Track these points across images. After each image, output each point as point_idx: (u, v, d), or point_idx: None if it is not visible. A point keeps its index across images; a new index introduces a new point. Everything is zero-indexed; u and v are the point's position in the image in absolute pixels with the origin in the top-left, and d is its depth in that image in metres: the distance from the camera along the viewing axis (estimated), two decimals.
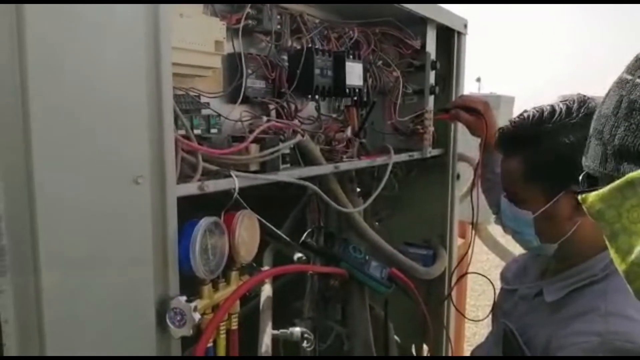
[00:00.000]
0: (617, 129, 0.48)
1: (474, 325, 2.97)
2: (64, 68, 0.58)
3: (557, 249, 1.04)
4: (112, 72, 0.62)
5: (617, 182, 0.46)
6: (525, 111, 1.00)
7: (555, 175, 0.95)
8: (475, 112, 1.35)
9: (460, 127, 1.48)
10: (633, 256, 0.44)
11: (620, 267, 0.47)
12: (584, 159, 0.54)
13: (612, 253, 0.48)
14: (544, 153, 0.96)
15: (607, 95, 0.51)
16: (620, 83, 0.50)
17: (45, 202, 0.56)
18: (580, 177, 0.54)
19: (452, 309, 1.61)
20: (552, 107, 0.97)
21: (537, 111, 0.98)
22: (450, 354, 1.65)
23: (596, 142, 0.51)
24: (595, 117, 0.53)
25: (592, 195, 0.48)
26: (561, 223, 0.98)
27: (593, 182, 0.52)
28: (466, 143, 1.51)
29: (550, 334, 0.95)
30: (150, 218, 0.68)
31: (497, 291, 1.23)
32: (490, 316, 1.25)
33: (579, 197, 0.51)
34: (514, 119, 1.02)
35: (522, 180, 1.00)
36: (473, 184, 1.40)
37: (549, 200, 0.97)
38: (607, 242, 0.49)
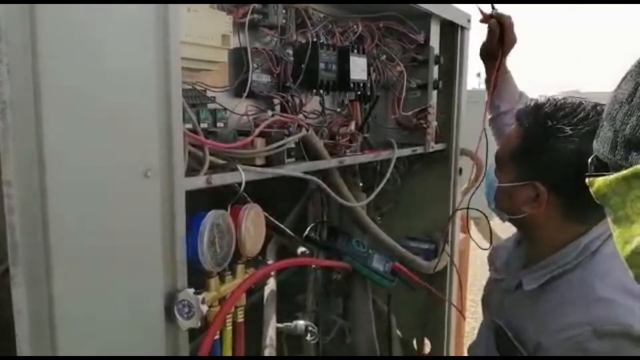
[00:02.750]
0: (629, 117, 0.47)
1: (473, 320, 2.99)
2: (75, 64, 0.58)
3: (530, 241, 1.09)
4: (122, 66, 0.63)
5: (625, 171, 0.46)
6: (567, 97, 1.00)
7: (533, 166, 0.99)
8: (502, 43, 1.32)
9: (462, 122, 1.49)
10: (633, 246, 0.46)
11: (622, 252, 0.48)
12: (594, 141, 0.53)
13: (614, 236, 0.49)
14: (538, 142, 0.98)
15: (624, 78, 0.50)
16: (638, 68, 0.48)
17: (57, 196, 0.56)
18: (590, 159, 0.54)
19: (453, 302, 1.63)
20: (580, 105, 0.96)
21: (568, 104, 0.97)
22: (451, 350, 1.66)
23: (608, 126, 0.50)
24: (610, 99, 0.51)
25: (599, 181, 0.49)
26: (514, 205, 1.04)
27: (601, 165, 0.51)
28: (469, 138, 1.51)
29: (537, 328, 0.97)
30: (159, 211, 0.69)
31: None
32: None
33: (587, 180, 0.51)
34: (545, 97, 1.02)
35: (508, 153, 1.04)
36: (476, 178, 1.41)
37: (515, 181, 1.02)
38: (610, 225, 0.50)
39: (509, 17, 1.33)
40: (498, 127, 1.38)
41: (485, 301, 1.24)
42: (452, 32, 1.45)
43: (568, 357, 0.89)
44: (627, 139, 0.47)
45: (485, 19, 1.34)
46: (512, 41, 1.33)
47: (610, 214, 0.49)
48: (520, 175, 1.01)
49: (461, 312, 1.89)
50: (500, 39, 1.32)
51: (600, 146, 0.51)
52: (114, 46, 0.62)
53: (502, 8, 1.33)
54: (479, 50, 1.38)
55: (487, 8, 1.34)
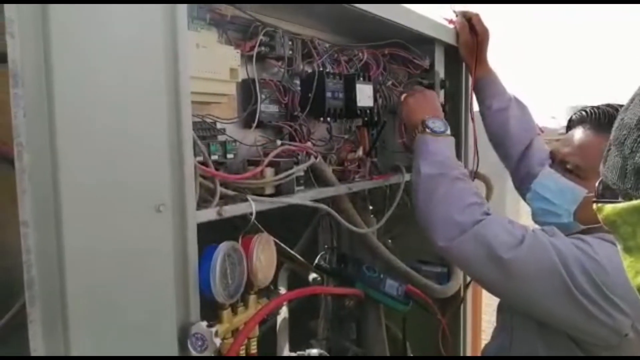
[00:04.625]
0: (639, 145, 0.45)
1: None
2: (88, 104, 0.60)
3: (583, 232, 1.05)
4: (133, 104, 0.64)
5: (636, 201, 0.44)
6: None
7: None
8: (476, 35, 1.37)
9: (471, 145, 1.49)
10: None
11: (632, 281, 0.46)
12: (601, 166, 0.52)
13: (625, 265, 0.47)
14: None
15: (632, 100, 0.48)
16: None
17: (71, 233, 0.57)
18: (597, 183, 0.52)
19: (469, 327, 1.60)
20: None
21: None
22: None
23: (616, 152, 0.48)
24: (617, 123, 0.49)
25: (608, 208, 0.47)
26: None
27: (608, 190, 0.49)
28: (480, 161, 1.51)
29: None
30: (172, 245, 0.69)
31: None
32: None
33: (594, 206, 0.49)
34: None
35: (600, 160, 1.00)
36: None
37: None
38: (620, 253, 0.48)
39: (473, 13, 1.40)
40: (496, 126, 1.39)
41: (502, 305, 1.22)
42: (457, 56, 1.46)
43: (575, 357, 0.90)
44: (638, 167, 0.45)
45: (450, 20, 1.42)
46: (484, 31, 1.39)
47: (619, 242, 0.47)
48: None
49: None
50: (472, 33, 1.38)
51: (608, 172, 0.50)
52: (126, 85, 0.64)
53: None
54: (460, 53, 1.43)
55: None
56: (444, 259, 1.54)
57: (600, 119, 1.04)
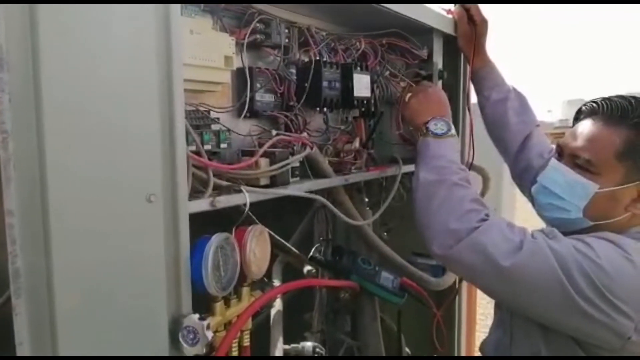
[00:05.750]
0: None
1: (484, 334, 2.94)
2: (77, 90, 0.58)
3: (590, 228, 1.02)
4: (125, 91, 0.62)
5: None
6: None
7: None
8: (474, 25, 1.36)
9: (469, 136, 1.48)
10: None
11: None
12: None
13: None
14: None
15: None
16: None
17: (59, 222, 0.56)
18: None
19: (463, 320, 1.60)
20: None
21: None
22: None
23: None
24: None
25: None
26: (615, 207, 0.98)
27: None
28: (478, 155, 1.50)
29: None
30: (163, 236, 0.68)
31: None
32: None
33: (637, 187, 0.49)
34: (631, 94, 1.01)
35: (612, 155, 0.97)
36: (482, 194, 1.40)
37: (623, 183, 0.96)
38: None
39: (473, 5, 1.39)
40: (494, 117, 1.37)
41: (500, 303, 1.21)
42: (455, 46, 1.44)
43: (576, 356, 0.88)
44: None
45: (449, 11, 1.40)
46: (482, 21, 1.37)
47: None
48: (630, 174, 0.95)
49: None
50: (471, 23, 1.37)
51: None
52: (117, 71, 0.62)
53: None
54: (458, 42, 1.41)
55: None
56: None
57: (612, 111, 0.99)
